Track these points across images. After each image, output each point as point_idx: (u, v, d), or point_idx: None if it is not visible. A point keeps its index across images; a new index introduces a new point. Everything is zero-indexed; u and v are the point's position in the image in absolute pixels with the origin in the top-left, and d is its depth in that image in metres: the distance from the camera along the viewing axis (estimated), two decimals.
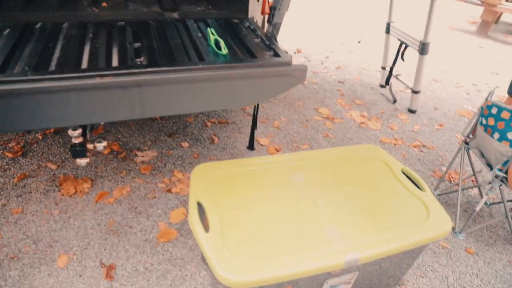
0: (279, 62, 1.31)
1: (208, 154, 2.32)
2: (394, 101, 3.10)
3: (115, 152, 2.27)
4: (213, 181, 1.45)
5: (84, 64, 1.22)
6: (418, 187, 1.55)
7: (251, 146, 2.39)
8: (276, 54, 1.36)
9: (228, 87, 1.26)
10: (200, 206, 1.35)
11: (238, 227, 1.27)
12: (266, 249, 1.20)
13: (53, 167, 2.11)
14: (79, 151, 1.58)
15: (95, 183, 2.03)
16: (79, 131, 1.55)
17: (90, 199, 1.93)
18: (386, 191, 1.50)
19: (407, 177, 1.61)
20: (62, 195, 1.93)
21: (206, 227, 1.26)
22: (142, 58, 1.29)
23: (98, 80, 1.14)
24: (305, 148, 2.46)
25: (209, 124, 2.62)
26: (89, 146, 1.62)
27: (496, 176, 1.69)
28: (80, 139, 1.57)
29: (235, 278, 1.10)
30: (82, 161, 1.65)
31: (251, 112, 2.68)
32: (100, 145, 1.65)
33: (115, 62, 1.25)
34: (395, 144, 2.60)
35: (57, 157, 2.18)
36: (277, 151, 2.41)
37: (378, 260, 1.32)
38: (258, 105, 2.49)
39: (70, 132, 1.53)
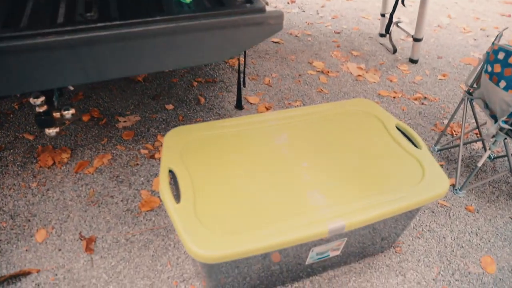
0: (250, 9, 1.14)
1: (194, 116, 2.20)
2: (394, 51, 2.88)
3: (95, 119, 2.15)
4: (187, 146, 1.34)
5: (24, 22, 1.06)
6: (414, 144, 1.43)
7: (239, 105, 2.25)
8: (248, 0, 1.19)
9: (192, 41, 1.10)
10: (173, 174, 1.25)
11: (213, 196, 1.17)
12: (242, 219, 1.10)
13: (31, 137, 2.00)
14: (44, 120, 1.46)
15: (74, 153, 1.93)
16: (42, 98, 1.43)
17: (70, 169, 1.84)
18: (378, 149, 1.38)
19: (402, 133, 1.48)
20: (40, 167, 1.84)
21: (179, 197, 1.16)
22: (92, 12, 1.13)
23: (39, 40, 0.99)
24: (297, 105, 2.32)
25: (195, 83, 2.46)
26: (56, 114, 1.50)
27: (501, 129, 1.55)
28: (45, 108, 1.45)
29: (205, 252, 1.01)
30: (51, 131, 1.53)
31: (244, 68, 2.51)
32: (68, 113, 1.52)
33: (61, 18, 1.09)
34: (394, 97, 2.43)
35: (34, 127, 2.07)
36: (267, 109, 2.27)
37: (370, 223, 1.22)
38: (245, 61, 2.32)
39: (32, 100, 1.41)
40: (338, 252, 1.33)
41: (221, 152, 1.32)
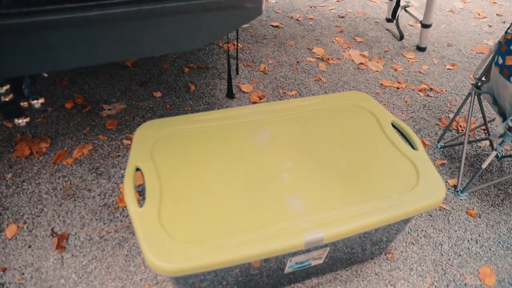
0: None
1: (182, 105, 2.08)
2: (401, 38, 2.70)
3: (79, 106, 2.05)
4: (159, 141, 1.23)
5: None
6: (410, 145, 1.29)
7: (230, 94, 2.12)
8: None
9: (156, 27, 0.97)
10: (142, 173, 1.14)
11: (182, 200, 1.06)
12: (210, 227, 1.00)
13: (10, 125, 1.91)
14: (10, 110, 1.37)
15: (54, 142, 1.84)
16: (7, 87, 1.33)
17: (48, 160, 1.75)
18: (369, 150, 1.25)
19: (399, 131, 1.35)
20: (17, 156, 1.76)
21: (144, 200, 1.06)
22: None
23: None
24: (293, 94, 2.18)
25: (186, 69, 2.34)
26: (24, 104, 1.40)
27: (509, 129, 1.40)
28: (10, 96, 1.35)
29: (165, 265, 0.91)
30: (20, 121, 1.44)
31: (236, 54, 2.37)
32: (37, 102, 1.42)
33: None
34: (397, 88, 2.27)
35: None
36: (260, 99, 2.14)
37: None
38: (237, 46, 2.18)
39: None
40: (320, 261, 1.23)
41: (195, 150, 1.21)
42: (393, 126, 1.35)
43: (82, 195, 1.61)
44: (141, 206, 1.04)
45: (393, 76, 2.37)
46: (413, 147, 1.28)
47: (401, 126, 1.34)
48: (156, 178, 1.11)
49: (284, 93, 2.19)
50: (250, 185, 1.12)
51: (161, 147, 1.21)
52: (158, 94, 2.14)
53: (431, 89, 2.28)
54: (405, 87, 2.29)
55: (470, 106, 1.65)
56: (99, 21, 0.96)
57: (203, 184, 1.11)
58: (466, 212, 1.59)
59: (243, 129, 1.29)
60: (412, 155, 1.23)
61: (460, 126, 2.01)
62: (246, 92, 2.18)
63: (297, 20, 2.91)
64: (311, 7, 3.10)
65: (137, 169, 1.15)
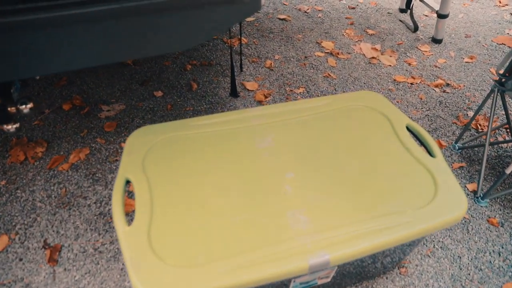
0: None
1: (184, 104, 1.98)
2: (416, 29, 2.55)
3: (77, 107, 1.97)
4: (152, 150, 1.13)
5: None
6: (427, 151, 1.18)
7: (234, 93, 2.01)
8: None
9: (142, 26, 0.87)
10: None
11: (175, 217, 0.97)
12: (205, 249, 0.91)
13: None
14: None
15: (50, 146, 1.77)
16: None
17: (43, 165, 1.68)
18: (381, 157, 1.14)
19: (414, 135, 1.23)
20: (12, 162, 1.69)
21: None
22: None
23: None
24: (300, 92, 2.06)
25: (189, 67, 2.24)
26: (11, 109, 1.32)
27: None
28: None
29: None
30: (9, 127, 1.37)
31: (240, 50, 2.26)
32: (25, 107, 1.34)
33: None
34: (411, 84, 2.13)
35: None
36: (266, 97, 2.03)
37: None
38: (241, 41, 2.07)
39: None
40: (328, 280, 1.12)
41: (190, 160, 1.11)
42: (408, 129, 1.23)
43: (77, 203, 1.53)
44: (131, 220, 0.95)
45: (407, 70, 2.23)
46: (430, 154, 1.16)
47: (417, 129, 1.22)
48: (147, 192, 1.02)
49: (291, 90, 2.07)
50: (249, 199, 1.02)
51: (154, 157, 1.11)
52: (159, 94, 2.05)
53: (447, 84, 2.14)
54: (420, 82, 2.15)
55: (492, 104, 1.52)
56: (93, 19, 0.86)
57: (198, 199, 1.01)
58: (487, 221, 1.46)
59: (243, 135, 1.19)
60: (429, 163, 1.11)
61: (480, 125, 1.87)
62: (251, 90, 2.07)
63: (305, 12, 2.77)
64: None
65: (128, 181, 1.06)
